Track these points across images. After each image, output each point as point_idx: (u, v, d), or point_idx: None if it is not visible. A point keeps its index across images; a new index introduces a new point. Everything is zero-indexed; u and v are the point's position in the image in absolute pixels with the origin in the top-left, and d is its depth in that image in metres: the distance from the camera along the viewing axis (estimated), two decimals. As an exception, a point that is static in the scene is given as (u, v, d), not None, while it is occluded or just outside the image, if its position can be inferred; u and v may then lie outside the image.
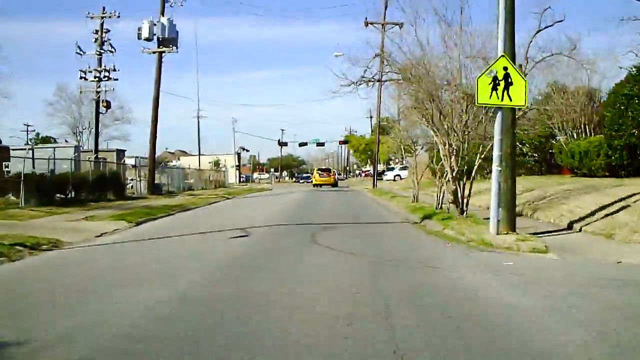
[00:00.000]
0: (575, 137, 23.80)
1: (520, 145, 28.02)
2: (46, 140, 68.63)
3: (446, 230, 13.09)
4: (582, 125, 23.58)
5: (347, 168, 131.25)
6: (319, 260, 8.84)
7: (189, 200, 30.66)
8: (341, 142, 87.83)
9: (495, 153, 11.04)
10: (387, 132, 66.62)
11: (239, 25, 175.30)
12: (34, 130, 77.44)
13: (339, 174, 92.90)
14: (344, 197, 32.86)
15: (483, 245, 10.41)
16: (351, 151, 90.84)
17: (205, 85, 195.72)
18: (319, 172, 57.25)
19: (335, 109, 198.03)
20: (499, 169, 11.01)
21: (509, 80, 11.00)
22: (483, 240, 10.69)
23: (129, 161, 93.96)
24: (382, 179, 79.62)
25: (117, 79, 33.95)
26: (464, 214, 14.51)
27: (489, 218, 14.92)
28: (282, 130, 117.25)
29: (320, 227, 14.02)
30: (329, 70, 40.25)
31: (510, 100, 11.01)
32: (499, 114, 11.05)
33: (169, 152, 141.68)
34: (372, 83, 38.57)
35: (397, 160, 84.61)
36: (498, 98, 10.98)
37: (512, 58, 11.49)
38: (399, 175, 59.16)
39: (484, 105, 12.06)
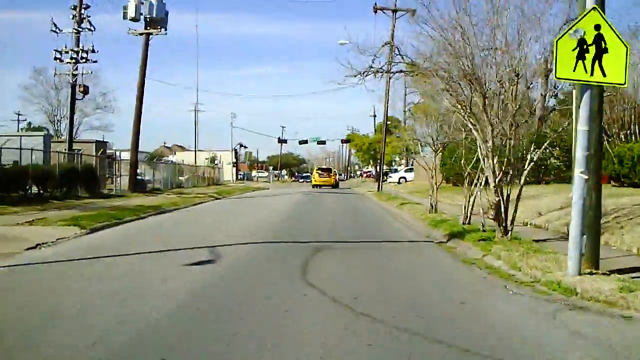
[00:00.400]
0: (623, 139, 20.15)
1: (550, 148, 24.50)
2: (38, 130, 64.80)
3: (489, 258, 9.49)
4: (635, 126, 19.91)
5: (349, 168, 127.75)
6: (307, 339, 4.97)
7: (171, 200, 27.10)
8: (343, 141, 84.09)
9: (580, 152, 7.39)
10: (393, 132, 62.99)
11: (240, 19, 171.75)
12: (25, 120, 73.58)
13: (340, 175, 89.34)
14: (346, 201, 29.21)
15: (561, 293, 6.78)
16: (353, 151, 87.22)
17: (205, 81, 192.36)
18: (319, 172, 53.45)
19: (338, 108, 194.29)
20: (585, 176, 7.37)
21: (602, 45, 7.37)
22: (560, 284, 7.04)
23: (124, 155, 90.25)
24: (385, 181, 76.07)
25: (95, 61, 30.42)
26: (509, 234, 10.88)
27: (539, 240, 11.46)
28: (283, 127, 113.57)
29: (317, 248, 10.40)
30: (333, 63, 36.81)
31: (604, 75, 7.37)
32: (587, 95, 7.40)
33: (166, 147, 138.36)
34: (380, 74, 35.05)
35: (400, 162, 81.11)
36: (586, 71, 7.34)
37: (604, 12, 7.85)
38: (404, 177, 55.50)
39: (565, 80, 8.41)
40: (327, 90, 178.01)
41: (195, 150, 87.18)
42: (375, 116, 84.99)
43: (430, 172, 17.83)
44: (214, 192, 38.43)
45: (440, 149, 18.14)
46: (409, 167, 58.68)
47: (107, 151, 39.37)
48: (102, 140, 35.32)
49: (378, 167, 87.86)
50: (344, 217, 18.24)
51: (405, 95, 69.08)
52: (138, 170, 46.03)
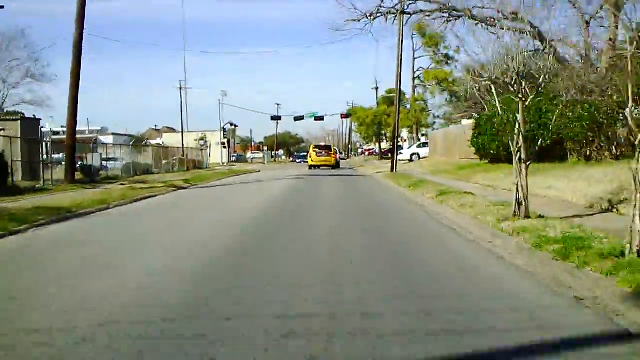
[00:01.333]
0: None
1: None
2: (11, 114, 55.65)
3: None
4: None
5: (349, 146, 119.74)
6: None
7: (107, 194, 19.13)
8: (343, 116, 75.34)
9: None
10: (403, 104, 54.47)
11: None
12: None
13: (340, 153, 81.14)
14: (353, 190, 21.07)
15: None
16: (355, 125, 78.76)
17: (195, 65, 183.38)
18: (316, 150, 44.91)
19: (335, 86, 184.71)
20: None
21: None
22: None
23: (105, 138, 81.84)
24: (388, 157, 67.79)
25: (2, 6, 22.03)
26: None
27: None
28: (277, 104, 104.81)
29: None
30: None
31: None
32: None
33: (155, 129, 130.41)
34: (392, 16, 26.66)
35: (404, 138, 72.59)
36: None
37: None
38: (416, 154, 47.23)
39: None
40: (324, 44, 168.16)
41: (182, 131, 79.09)
42: (377, 88, 76.68)
43: (515, 140, 9.53)
44: (185, 178, 30.53)
45: (530, 96, 9.81)
46: (422, 142, 50.55)
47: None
48: (31, 117, 27.20)
49: (382, 144, 79.59)
50: (362, 231, 10.09)
51: (414, 59, 60.66)
52: (105, 155, 38.29)
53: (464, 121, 39.21)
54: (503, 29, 10.83)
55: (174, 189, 23.86)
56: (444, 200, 13.24)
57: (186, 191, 23.44)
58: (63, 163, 36.43)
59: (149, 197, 19.71)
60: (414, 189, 17.41)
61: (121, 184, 26.01)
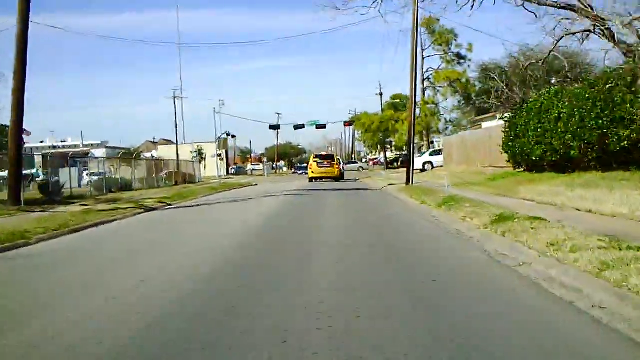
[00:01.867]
0: None
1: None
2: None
3: None
4: None
5: (353, 156, 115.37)
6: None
7: (45, 221, 14.89)
8: (346, 124, 70.80)
9: None
10: (403, 111, 50.07)
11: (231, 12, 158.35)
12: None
13: (344, 164, 76.51)
14: (366, 210, 16.47)
15: None
16: (359, 133, 74.32)
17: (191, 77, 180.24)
18: (317, 160, 39.99)
19: (338, 89, 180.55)
20: None
21: None
22: None
23: (98, 152, 77.15)
24: (395, 167, 63.25)
25: None
26: None
27: None
28: (279, 114, 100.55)
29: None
30: None
31: None
32: None
33: (152, 142, 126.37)
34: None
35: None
36: None
37: None
38: (429, 162, 42.60)
39: None
40: (324, 32, 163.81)
41: (177, 143, 74.89)
42: (381, 94, 72.49)
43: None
44: (165, 196, 26.14)
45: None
46: (435, 150, 45.96)
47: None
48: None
49: (387, 153, 75.04)
50: (380, 283, 5.57)
51: (423, 59, 56.13)
52: (105, 170, 34.15)
53: (485, 124, 34.74)
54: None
55: (141, 211, 19.40)
56: (507, 232, 8.58)
57: (155, 214, 18.93)
58: (39, 180, 32.23)
59: (100, 224, 15.25)
60: (448, 209, 12.73)
61: (82, 205, 21.71)
